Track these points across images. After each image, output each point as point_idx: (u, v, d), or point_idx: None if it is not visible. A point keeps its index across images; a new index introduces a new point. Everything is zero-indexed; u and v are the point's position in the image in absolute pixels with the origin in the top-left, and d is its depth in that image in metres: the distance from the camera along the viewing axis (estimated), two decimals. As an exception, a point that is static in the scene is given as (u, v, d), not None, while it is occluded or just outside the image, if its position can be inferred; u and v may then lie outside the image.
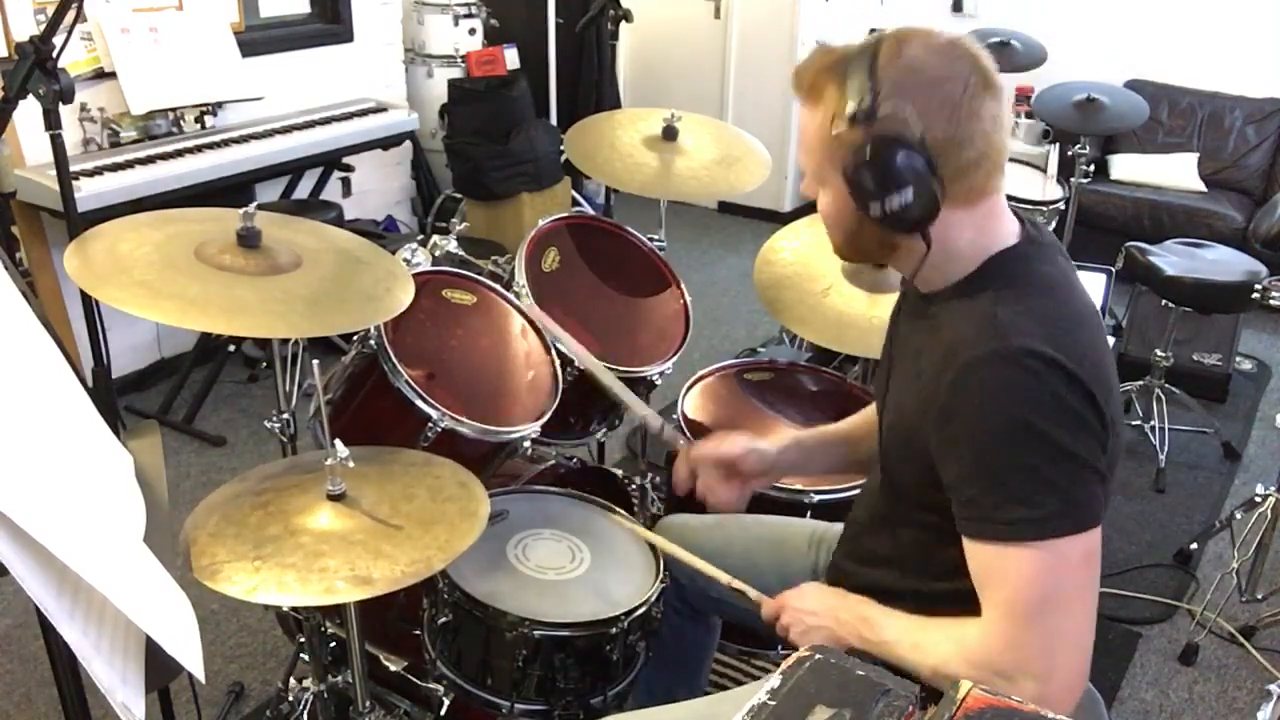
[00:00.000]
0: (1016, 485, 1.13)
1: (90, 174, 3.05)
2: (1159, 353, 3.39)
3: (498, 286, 2.06)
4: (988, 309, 1.19)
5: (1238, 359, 3.84)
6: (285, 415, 1.89)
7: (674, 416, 2.11)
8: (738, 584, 1.53)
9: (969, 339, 1.17)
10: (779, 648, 1.93)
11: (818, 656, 0.73)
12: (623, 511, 1.83)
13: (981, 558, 1.18)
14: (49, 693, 2.29)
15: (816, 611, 1.38)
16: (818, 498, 1.88)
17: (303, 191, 3.99)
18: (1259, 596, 2.64)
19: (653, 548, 1.71)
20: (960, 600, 1.20)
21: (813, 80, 1.21)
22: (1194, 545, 2.87)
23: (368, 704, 1.64)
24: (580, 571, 1.68)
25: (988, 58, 1.19)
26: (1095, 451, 1.14)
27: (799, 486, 1.90)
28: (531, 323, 2.03)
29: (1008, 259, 1.23)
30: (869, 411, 1.63)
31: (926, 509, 1.27)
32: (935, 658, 1.21)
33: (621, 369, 2.07)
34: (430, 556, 1.34)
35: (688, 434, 2.03)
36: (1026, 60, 3.94)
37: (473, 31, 4.62)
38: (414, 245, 2.04)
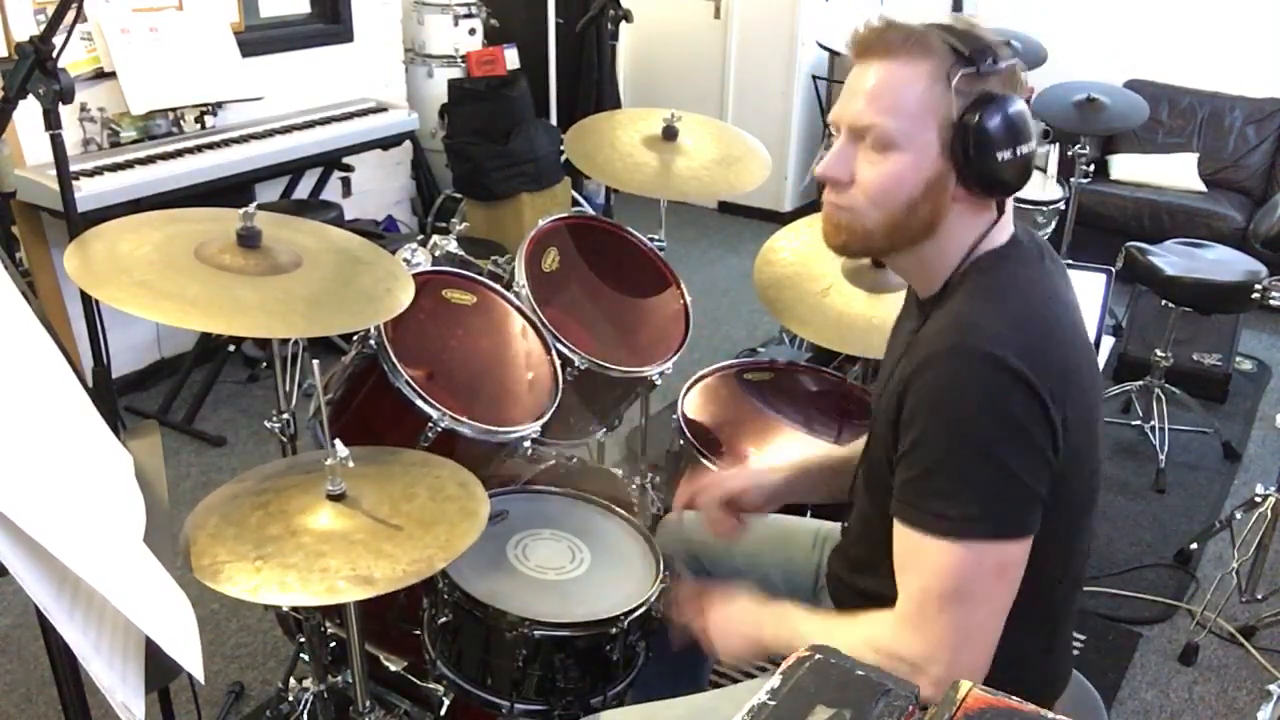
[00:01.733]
0: (947, 483, 1.15)
1: (90, 174, 3.05)
2: (1159, 353, 3.39)
3: (498, 286, 2.06)
4: (960, 307, 1.20)
5: (1238, 359, 3.84)
6: (285, 415, 1.88)
7: (674, 416, 2.11)
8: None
9: (935, 335, 1.19)
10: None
11: (818, 656, 0.73)
12: (623, 512, 1.83)
13: (902, 541, 1.20)
14: (49, 693, 2.29)
15: (738, 618, 1.39)
16: (806, 518, 1.88)
17: (303, 191, 3.99)
18: (1259, 596, 2.64)
19: (652, 546, 1.71)
20: None
21: (908, 36, 1.19)
22: (1194, 545, 2.87)
23: (368, 704, 1.64)
24: (580, 571, 1.68)
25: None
26: (1036, 471, 1.15)
27: (799, 486, 1.90)
28: (531, 322, 2.03)
29: (990, 259, 1.24)
30: None
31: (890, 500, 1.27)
32: (848, 644, 1.22)
33: (621, 369, 2.08)
34: (431, 556, 1.34)
35: (687, 434, 2.03)
36: (1026, 60, 3.89)
37: (473, 31, 4.62)
38: (414, 245, 2.04)
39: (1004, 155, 1.17)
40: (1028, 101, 1.24)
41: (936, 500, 1.15)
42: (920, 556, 1.17)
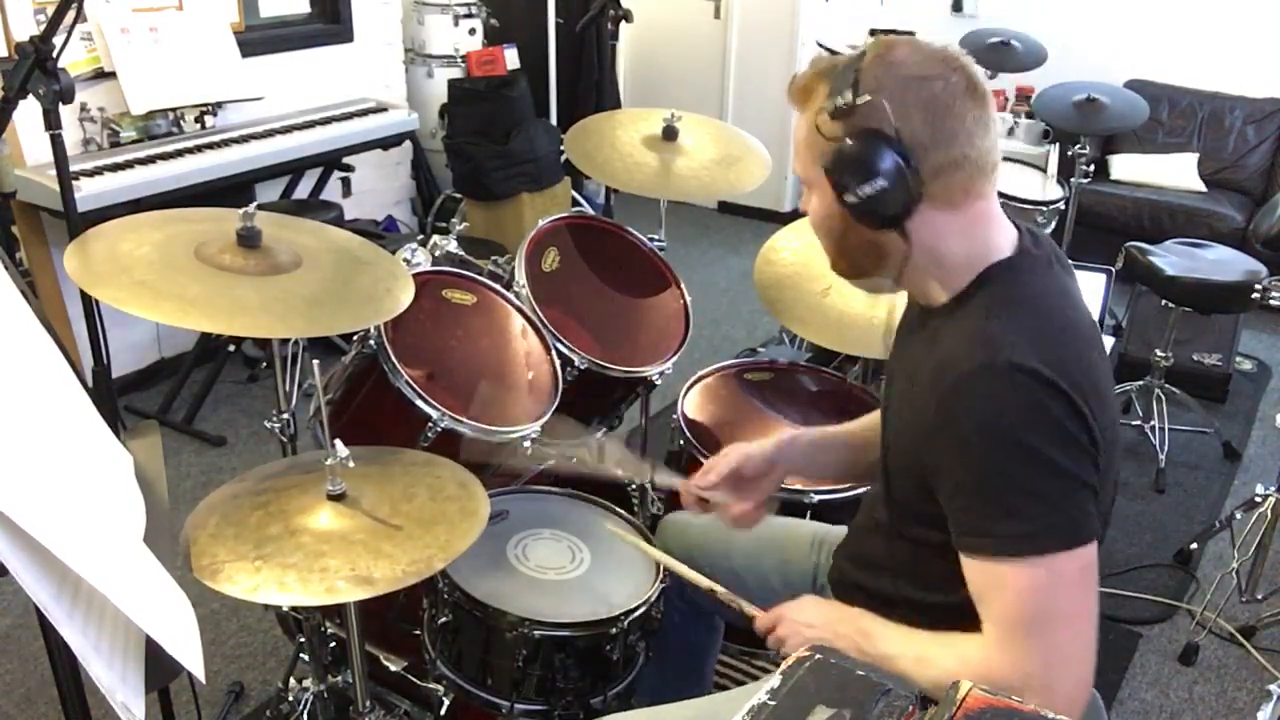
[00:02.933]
0: (1008, 501, 1.13)
1: (90, 174, 3.05)
2: (1159, 353, 3.39)
3: (498, 286, 2.06)
4: (979, 324, 1.19)
5: (1238, 359, 3.84)
6: (285, 415, 1.88)
7: (674, 416, 2.11)
8: (732, 597, 1.51)
9: (960, 354, 1.18)
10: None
11: (818, 656, 0.73)
12: (623, 512, 1.83)
13: (976, 573, 1.18)
14: (49, 693, 2.29)
15: (814, 624, 1.37)
16: (818, 498, 1.88)
17: (303, 191, 3.98)
18: (1259, 596, 2.64)
19: (650, 542, 1.71)
20: (953, 613, 1.20)
21: (804, 84, 1.25)
22: (1194, 545, 2.87)
23: (368, 704, 1.64)
24: (580, 571, 1.68)
25: (975, 67, 1.21)
26: (1087, 467, 1.15)
27: (799, 487, 1.90)
28: (531, 322, 2.03)
29: (1001, 271, 1.24)
30: (872, 417, 1.63)
31: (924, 523, 1.26)
32: (938, 672, 1.21)
33: (621, 369, 2.08)
34: (431, 556, 1.34)
35: (687, 434, 2.03)
36: (1026, 60, 3.94)
37: (473, 31, 4.62)
38: (414, 245, 2.04)
39: (854, 195, 1.19)
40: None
41: (1001, 522, 1.13)
42: (996, 583, 1.15)
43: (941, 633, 1.24)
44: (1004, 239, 1.25)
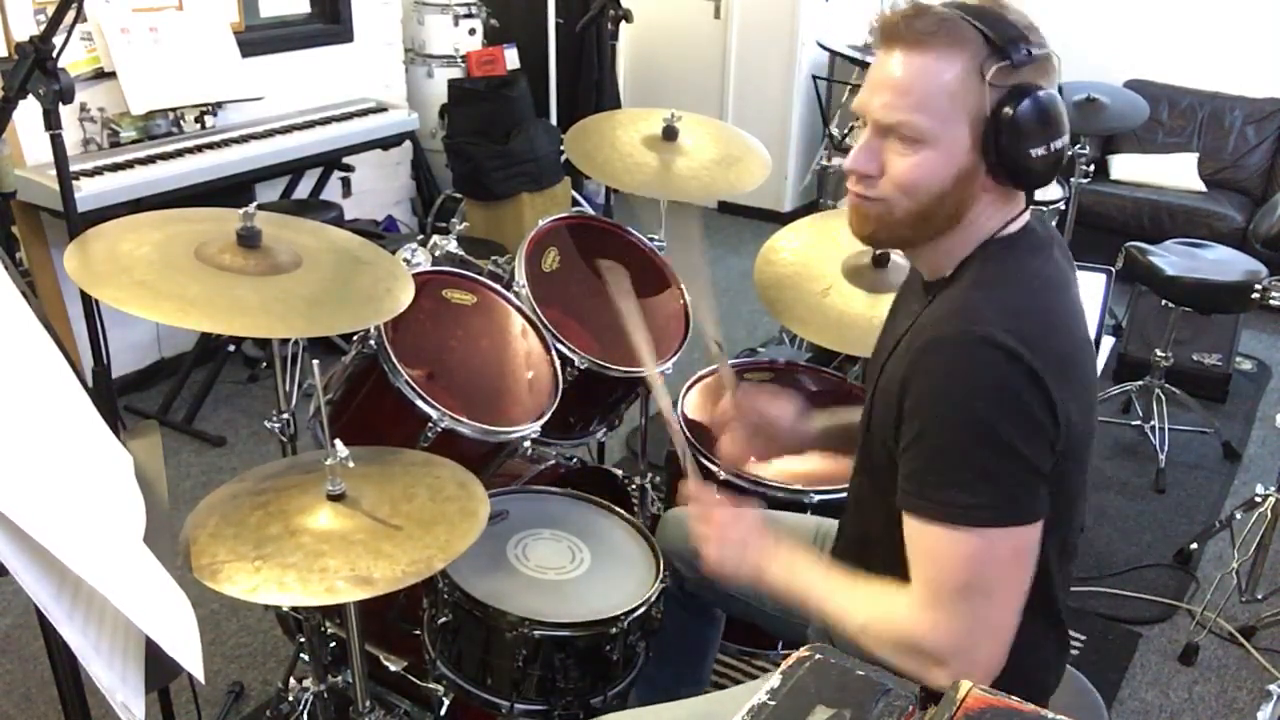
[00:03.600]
0: (955, 470, 1.14)
1: (90, 174, 3.05)
2: (1159, 353, 3.39)
3: (498, 286, 2.06)
4: (963, 292, 1.20)
5: (1238, 359, 3.84)
6: (285, 415, 1.88)
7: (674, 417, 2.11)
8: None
9: (938, 320, 1.19)
10: (779, 647, 1.93)
11: (818, 656, 0.73)
12: (623, 512, 1.83)
13: (914, 534, 1.19)
14: (49, 693, 2.29)
15: (753, 534, 1.37)
16: (818, 498, 1.88)
17: (303, 191, 3.98)
18: (1259, 596, 2.64)
19: (652, 545, 1.71)
20: None
21: (939, 26, 1.15)
22: (1194, 545, 2.87)
23: (368, 704, 1.64)
24: (580, 571, 1.68)
25: None
26: (1041, 450, 1.14)
27: (799, 487, 1.90)
28: (531, 322, 2.03)
29: (998, 247, 1.23)
30: None
31: (894, 489, 1.25)
32: (862, 618, 1.23)
33: (622, 369, 2.08)
34: (431, 556, 1.34)
35: (688, 434, 2.03)
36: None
37: (473, 31, 4.61)
38: (414, 245, 2.04)
39: (1038, 150, 1.16)
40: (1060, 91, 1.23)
41: (946, 490, 1.14)
42: (933, 547, 1.16)
43: (873, 585, 1.25)
44: (1020, 216, 1.26)
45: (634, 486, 2.24)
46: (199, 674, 1.00)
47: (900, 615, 1.19)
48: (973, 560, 1.14)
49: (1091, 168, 3.73)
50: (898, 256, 2.11)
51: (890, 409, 1.22)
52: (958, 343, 1.14)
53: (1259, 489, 2.65)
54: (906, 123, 1.17)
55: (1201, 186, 4.67)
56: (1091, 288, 2.73)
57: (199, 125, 3.54)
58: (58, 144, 1.84)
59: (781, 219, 5.04)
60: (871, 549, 1.39)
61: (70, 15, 1.73)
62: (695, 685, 1.87)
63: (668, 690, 1.78)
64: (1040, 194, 3.61)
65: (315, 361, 1.53)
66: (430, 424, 1.75)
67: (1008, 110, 1.14)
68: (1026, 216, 1.27)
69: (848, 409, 1.71)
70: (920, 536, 1.18)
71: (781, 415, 1.63)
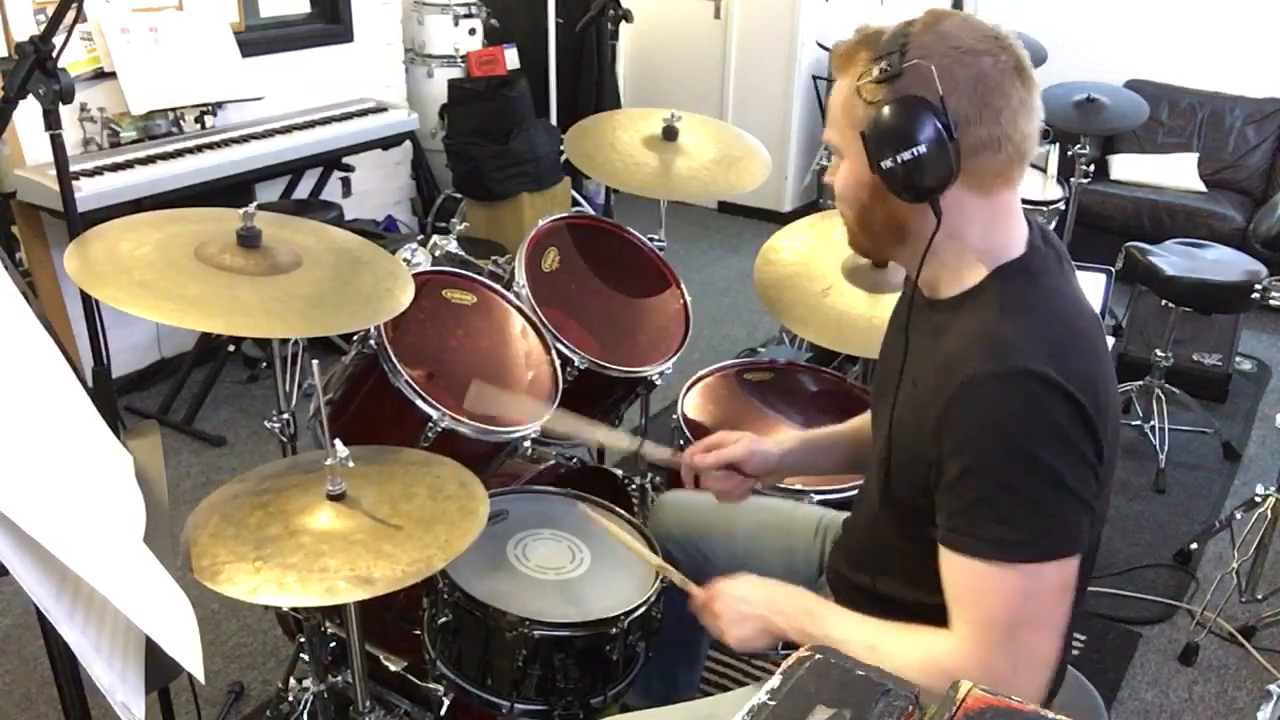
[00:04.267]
0: (1004, 507, 1.13)
1: (90, 174, 3.05)
2: (1159, 353, 3.39)
3: (498, 286, 2.06)
4: (991, 325, 1.18)
5: (1238, 359, 3.84)
6: (285, 415, 1.89)
7: (674, 416, 2.11)
8: (667, 568, 1.53)
9: (970, 355, 1.16)
10: (779, 647, 1.92)
11: (818, 656, 0.73)
12: (623, 512, 1.83)
13: (958, 571, 1.17)
14: (49, 693, 2.29)
15: (750, 599, 1.36)
16: (818, 498, 1.88)
17: (303, 191, 3.98)
18: (1259, 596, 2.64)
19: (649, 541, 1.71)
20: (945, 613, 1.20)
21: (847, 49, 1.23)
22: (1194, 545, 2.87)
23: (368, 704, 1.64)
24: (580, 571, 1.68)
25: (1024, 50, 1.20)
26: (1087, 482, 1.14)
27: (799, 486, 1.90)
28: (531, 322, 2.03)
29: (1014, 271, 1.22)
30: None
31: (924, 521, 1.25)
32: (897, 663, 1.19)
33: (621, 369, 2.08)
34: (431, 556, 1.34)
35: (687, 434, 2.03)
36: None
37: (473, 31, 4.62)
38: (414, 245, 2.05)
39: (892, 160, 1.15)
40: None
41: (994, 526, 1.13)
42: (980, 584, 1.15)
43: (899, 624, 1.24)
44: (1019, 235, 1.24)
45: (634, 486, 2.24)
46: (199, 674, 1.00)
47: (944, 655, 1.17)
48: (1022, 596, 1.13)
49: (1091, 168, 3.73)
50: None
51: (922, 445, 1.20)
52: (999, 378, 1.13)
53: (1259, 489, 2.65)
54: (828, 138, 1.27)
55: (1201, 186, 4.67)
56: (1091, 288, 2.74)
57: (199, 125, 3.54)
58: (58, 144, 1.84)
59: (781, 219, 5.04)
60: (877, 570, 1.39)
61: (70, 15, 1.73)
62: (692, 668, 1.87)
63: (661, 673, 1.77)
64: (1040, 194, 3.62)
65: (315, 361, 1.53)
66: (430, 424, 1.75)
67: (873, 121, 1.16)
68: (1024, 232, 1.25)
69: (807, 432, 1.71)
70: (965, 574, 1.16)
71: (738, 455, 1.60)
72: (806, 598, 1.33)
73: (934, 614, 1.24)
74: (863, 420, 1.64)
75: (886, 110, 1.14)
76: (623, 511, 1.83)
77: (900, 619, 1.27)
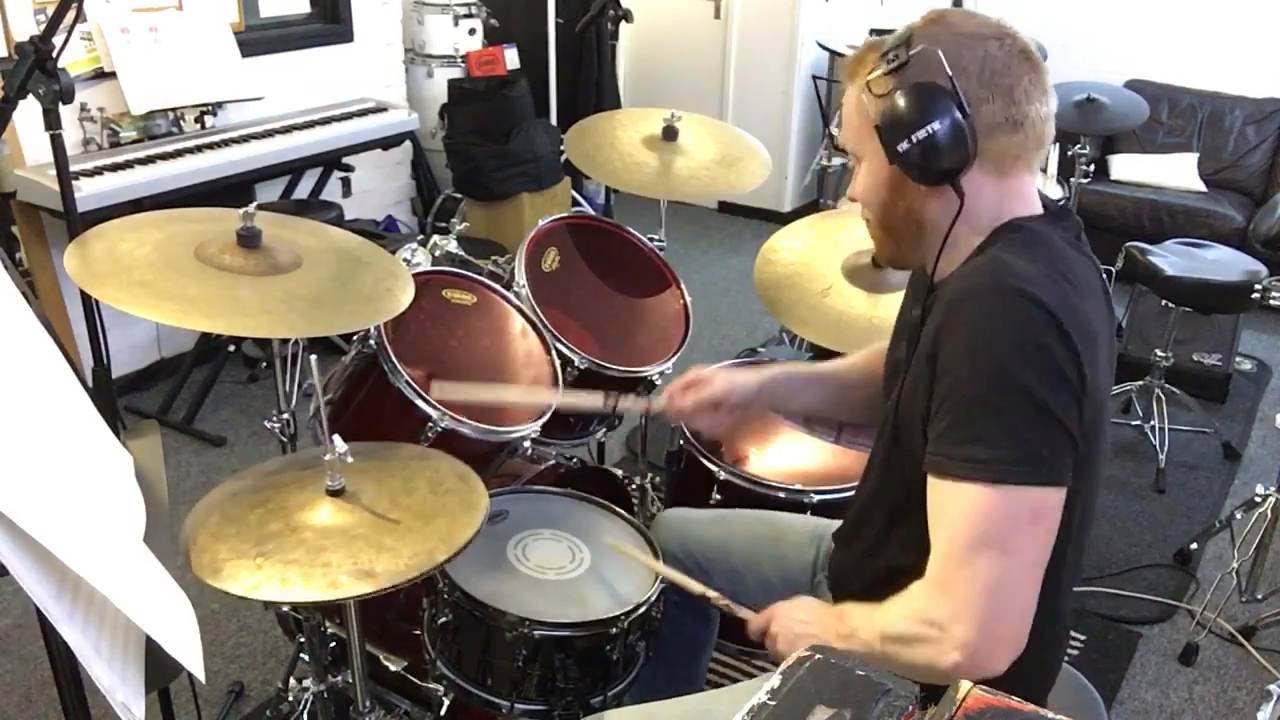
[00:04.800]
0: (980, 425, 1.12)
1: (90, 174, 3.05)
2: (1159, 353, 3.39)
3: (498, 286, 2.07)
4: (991, 255, 1.20)
5: (1238, 359, 3.84)
6: (285, 415, 1.89)
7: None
8: (726, 602, 1.51)
9: (968, 274, 1.19)
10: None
11: (818, 656, 0.73)
12: (622, 512, 1.83)
13: (937, 496, 1.17)
14: (49, 693, 2.29)
15: (807, 620, 1.36)
16: (818, 498, 1.88)
17: (303, 191, 3.99)
18: (1259, 596, 2.64)
19: (651, 545, 1.71)
20: None
21: (856, 57, 1.25)
22: (1194, 545, 2.87)
23: (368, 704, 1.64)
24: (580, 571, 1.68)
25: (1028, 39, 1.22)
26: (1069, 409, 1.13)
27: (799, 486, 1.90)
28: (531, 322, 2.03)
29: (1019, 224, 1.23)
30: (864, 355, 1.62)
31: (921, 478, 1.23)
32: (894, 622, 1.20)
33: (621, 369, 2.08)
34: (433, 549, 1.34)
35: (687, 434, 2.03)
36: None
37: (473, 31, 4.62)
38: (414, 245, 2.05)
39: (908, 142, 1.15)
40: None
41: (970, 445, 1.12)
42: (951, 505, 1.14)
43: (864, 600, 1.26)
44: (1022, 201, 1.25)
45: (634, 486, 2.24)
46: (199, 674, 1.00)
47: (918, 596, 1.17)
48: (989, 515, 1.11)
49: (1091, 168, 3.73)
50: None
51: (923, 377, 1.20)
52: (990, 291, 1.14)
53: (1259, 489, 2.65)
54: (846, 144, 1.29)
55: (1201, 186, 4.67)
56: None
57: (199, 125, 3.54)
58: (58, 144, 1.84)
59: (781, 219, 5.04)
60: (891, 545, 1.38)
61: (70, 15, 1.73)
62: (689, 684, 1.87)
63: (661, 689, 1.77)
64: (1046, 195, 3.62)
65: (315, 361, 1.53)
66: (430, 424, 1.75)
67: (885, 111, 1.18)
68: (1038, 207, 1.26)
69: (790, 365, 1.70)
70: (939, 496, 1.16)
71: (716, 393, 1.60)
72: (849, 610, 1.32)
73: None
74: (854, 360, 1.64)
75: (898, 95, 1.16)
76: (625, 513, 1.83)
77: (899, 589, 1.25)
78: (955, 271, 1.24)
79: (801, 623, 1.37)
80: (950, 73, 1.15)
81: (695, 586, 1.55)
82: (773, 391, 1.63)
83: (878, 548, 1.40)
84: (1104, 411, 1.22)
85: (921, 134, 1.15)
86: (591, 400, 1.77)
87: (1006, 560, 1.12)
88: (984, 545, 1.11)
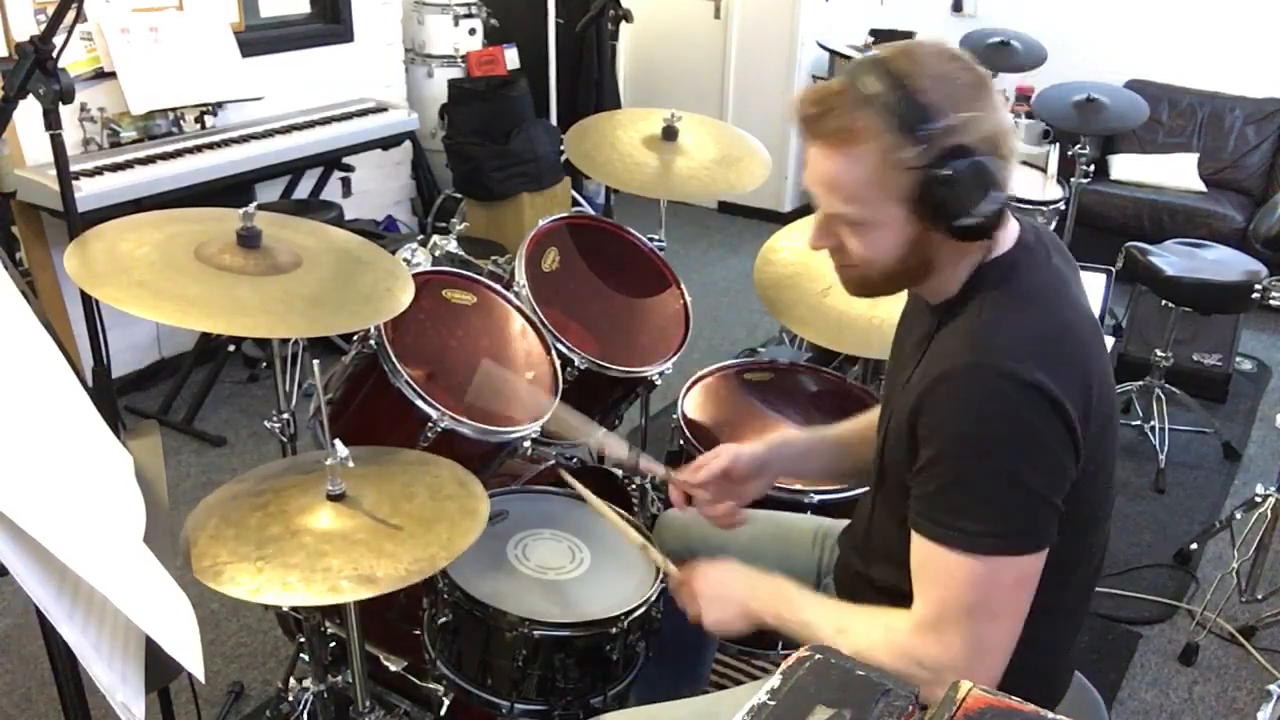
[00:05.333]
0: (964, 498, 1.16)
1: (90, 174, 3.05)
2: (1159, 353, 3.39)
3: (498, 286, 2.06)
4: (972, 322, 1.20)
5: (1238, 359, 3.84)
6: (285, 415, 1.89)
7: (674, 416, 2.11)
8: (647, 546, 1.54)
9: (951, 350, 1.19)
10: (779, 647, 1.93)
11: (817, 656, 0.73)
12: (622, 512, 1.83)
13: (922, 552, 1.20)
14: (49, 693, 2.29)
15: (729, 583, 1.39)
16: (818, 498, 1.88)
17: (303, 191, 3.99)
18: (1259, 596, 2.64)
19: (650, 541, 1.71)
20: None
21: (843, 122, 1.16)
22: (1194, 545, 2.87)
23: (368, 704, 1.64)
24: (580, 571, 1.68)
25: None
26: (1052, 481, 1.16)
27: (799, 487, 1.90)
28: (531, 322, 2.03)
29: (996, 269, 1.24)
30: (865, 418, 1.63)
31: (908, 506, 1.27)
32: (863, 643, 1.23)
33: (621, 369, 2.08)
34: (434, 554, 1.34)
35: (687, 434, 2.04)
36: (1026, 60, 3.94)
37: (473, 31, 4.62)
38: (414, 245, 2.05)
39: (974, 211, 1.15)
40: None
41: (957, 515, 1.16)
42: (940, 568, 1.18)
43: (866, 606, 1.28)
44: (1009, 233, 1.26)
45: (634, 486, 2.23)
46: (199, 674, 1.00)
47: (902, 632, 1.21)
48: (979, 584, 1.16)
49: (1091, 168, 3.73)
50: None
51: (902, 438, 1.23)
52: (973, 374, 1.15)
53: (1259, 489, 2.65)
54: (844, 214, 1.22)
55: (1201, 186, 4.67)
56: (1091, 288, 2.72)
57: (199, 125, 3.54)
58: (58, 144, 1.84)
59: (781, 219, 5.04)
60: (889, 561, 1.39)
61: (70, 15, 1.73)
62: (694, 684, 1.87)
63: (666, 690, 1.77)
64: (1040, 194, 3.62)
65: (315, 361, 1.53)
66: (430, 424, 1.75)
67: (933, 186, 1.14)
68: (1015, 229, 1.26)
69: (788, 432, 1.71)
70: (928, 555, 1.19)
71: (722, 467, 1.59)
72: (786, 586, 1.35)
73: None
74: (856, 425, 1.64)
75: (948, 173, 1.13)
76: (625, 513, 1.82)
77: (899, 605, 1.28)
78: (948, 329, 1.24)
79: (724, 585, 1.39)
80: (975, 139, 1.14)
81: (635, 537, 1.58)
82: (781, 459, 1.62)
83: (879, 561, 1.41)
84: (1113, 434, 1.25)
85: (988, 209, 1.15)
86: (619, 449, 1.78)
87: (994, 624, 1.17)
88: (974, 611, 1.16)
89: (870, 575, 1.41)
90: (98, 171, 3.08)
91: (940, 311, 1.28)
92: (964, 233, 1.17)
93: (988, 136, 1.15)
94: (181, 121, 3.50)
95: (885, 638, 1.22)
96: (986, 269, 1.24)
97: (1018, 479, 1.14)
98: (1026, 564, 1.16)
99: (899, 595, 1.31)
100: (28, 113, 1.90)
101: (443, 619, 1.60)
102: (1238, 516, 2.73)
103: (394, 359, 1.77)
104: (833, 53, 5.06)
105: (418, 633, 1.72)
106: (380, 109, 4.02)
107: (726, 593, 1.39)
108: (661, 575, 1.65)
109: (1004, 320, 1.19)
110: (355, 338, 1.86)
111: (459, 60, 4.60)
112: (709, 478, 1.59)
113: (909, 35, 4.96)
